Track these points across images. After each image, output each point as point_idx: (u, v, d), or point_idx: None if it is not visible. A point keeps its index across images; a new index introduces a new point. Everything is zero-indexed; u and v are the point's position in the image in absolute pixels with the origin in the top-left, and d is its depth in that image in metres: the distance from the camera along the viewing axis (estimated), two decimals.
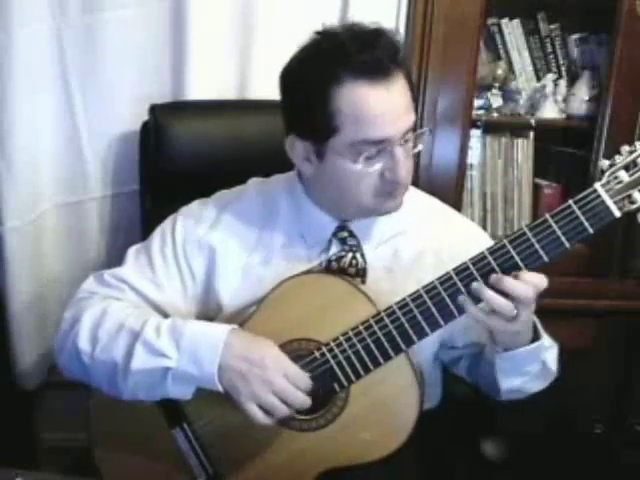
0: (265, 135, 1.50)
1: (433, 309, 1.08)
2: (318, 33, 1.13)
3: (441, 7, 1.71)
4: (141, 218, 1.65)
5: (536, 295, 1.05)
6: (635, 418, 2.05)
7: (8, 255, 1.72)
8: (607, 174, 1.02)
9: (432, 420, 1.22)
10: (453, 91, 1.77)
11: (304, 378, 1.11)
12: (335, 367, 1.12)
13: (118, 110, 1.73)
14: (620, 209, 1.02)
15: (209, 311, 1.24)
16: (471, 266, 1.06)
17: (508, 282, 1.04)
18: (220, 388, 1.09)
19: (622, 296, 1.91)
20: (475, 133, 1.90)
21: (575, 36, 1.94)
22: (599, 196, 1.02)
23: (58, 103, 1.70)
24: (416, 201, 1.27)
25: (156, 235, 1.27)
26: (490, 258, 1.05)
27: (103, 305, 1.18)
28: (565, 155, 2.01)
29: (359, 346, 1.11)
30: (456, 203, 1.79)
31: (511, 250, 1.05)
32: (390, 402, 1.15)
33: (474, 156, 1.93)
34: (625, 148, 1.03)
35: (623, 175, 1.02)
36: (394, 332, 1.10)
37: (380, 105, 1.07)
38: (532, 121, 1.91)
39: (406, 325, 1.09)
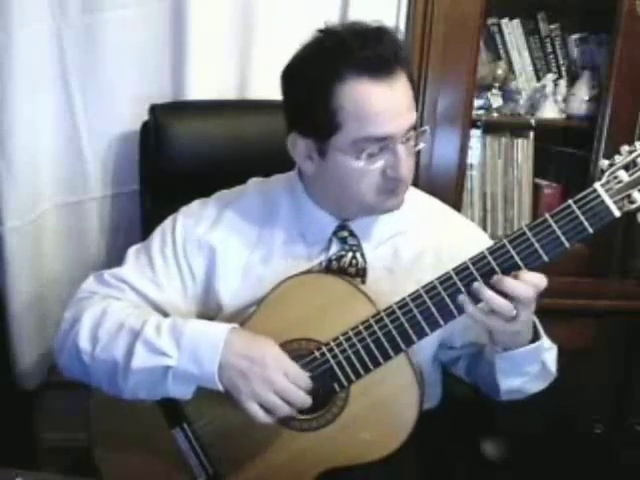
0: (265, 135, 1.51)
1: (433, 309, 1.08)
2: (320, 31, 1.12)
3: (441, 7, 1.71)
4: (141, 218, 1.65)
5: (536, 295, 1.05)
6: (635, 418, 2.05)
7: (8, 255, 1.72)
8: (607, 174, 1.02)
9: (432, 420, 1.22)
10: (453, 91, 1.77)
11: (304, 377, 1.11)
12: (335, 367, 1.12)
13: (118, 110, 1.73)
14: (620, 209, 1.02)
15: (209, 311, 1.24)
16: (471, 266, 1.06)
17: (508, 282, 1.03)
18: (220, 387, 1.09)
19: (622, 296, 1.91)
20: (475, 133, 1.90)
21: (575, 36, 1.94)
22: (599, 196, 1.02)
23: (58, 103, 1.70)
24: (416, 201, 1.27)
25: (156, 235, 1.27)
26: (490, 258, 1.05)
27: (103, 305, 1.18)
28: (565, 155, 2.01)
29: (359, 346, 1.11)
30: (456, 203, 1.79)
31: (511, 250, 1.05)
32: (390, 402, 1.15)
33: (474, 156, 1.93)
34: (625, 148, 1.03)
35: (623, 175, 1.02)
36: (394, 332, 1.10)
37: (383, 102, 1.07)
38: (532, 121, 1.91)
39: (406, 325, 1.09)
